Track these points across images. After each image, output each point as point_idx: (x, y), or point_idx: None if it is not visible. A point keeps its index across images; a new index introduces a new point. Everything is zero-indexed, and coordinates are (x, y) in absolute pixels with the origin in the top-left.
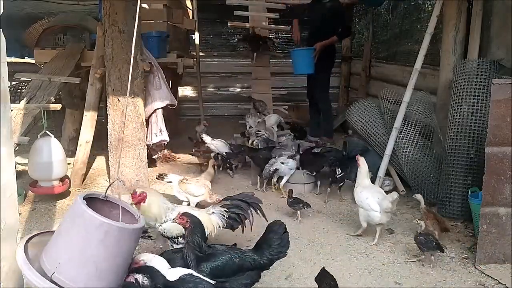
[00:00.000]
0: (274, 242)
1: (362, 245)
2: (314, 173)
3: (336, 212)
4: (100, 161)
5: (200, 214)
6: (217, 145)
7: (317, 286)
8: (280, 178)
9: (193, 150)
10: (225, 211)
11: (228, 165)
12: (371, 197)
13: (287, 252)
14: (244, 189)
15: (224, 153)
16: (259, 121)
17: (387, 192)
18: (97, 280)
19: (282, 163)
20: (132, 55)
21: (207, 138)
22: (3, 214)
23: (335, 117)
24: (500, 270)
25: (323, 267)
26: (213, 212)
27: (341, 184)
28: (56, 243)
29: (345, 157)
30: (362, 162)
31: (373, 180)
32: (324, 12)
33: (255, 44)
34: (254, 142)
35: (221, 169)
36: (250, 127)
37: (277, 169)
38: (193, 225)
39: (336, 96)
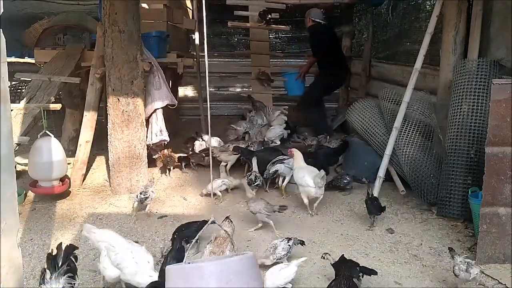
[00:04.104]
0: None
1: (362, 245)
2: None
3: (336, 212)
4: (100, 161)
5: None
6: (207, 139)
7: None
8: (279, 178)
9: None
10: None
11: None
12: (306, 175)
13: None
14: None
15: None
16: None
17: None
18: None
19: (283, 163)
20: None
21: (205, 136)
22: (3, 214)
23: (335, 117)
24: (500, 270)
25: (343, 255)
26: None
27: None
28: None
29: (335, 151)
30: (295, 152)
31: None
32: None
33: None
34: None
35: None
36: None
37: (277, 170)
38: None
39: (336, 96)
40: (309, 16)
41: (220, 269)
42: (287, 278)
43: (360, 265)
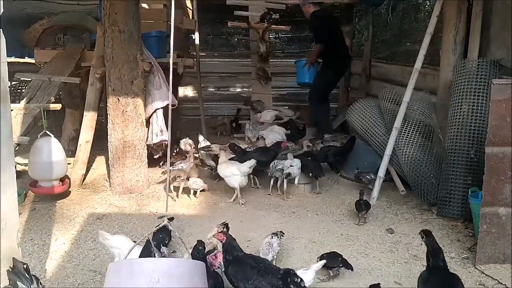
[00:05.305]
0: None
1: (362, 245)
2: (310, 174)
3: (336, 212)
4: (100, 161)
5: None
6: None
7: None
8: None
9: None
10: None
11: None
12: (230, 166)
13: None
14: (246, 190)
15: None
16: (258, 138)
17: None
18: None
19: (291, 166)
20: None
21: (200, 137)
22: (3, 214)
23: (335, 117)
24: (500, 270)
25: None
26: None
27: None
28: None
29: (342, 151)
30: (222, 154)
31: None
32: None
33: None
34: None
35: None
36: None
37: (290, 173)
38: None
39: (336, 96)
40: (306, 1)
41: (152, 269)
42: (309, 281)
43: (342, 257)
